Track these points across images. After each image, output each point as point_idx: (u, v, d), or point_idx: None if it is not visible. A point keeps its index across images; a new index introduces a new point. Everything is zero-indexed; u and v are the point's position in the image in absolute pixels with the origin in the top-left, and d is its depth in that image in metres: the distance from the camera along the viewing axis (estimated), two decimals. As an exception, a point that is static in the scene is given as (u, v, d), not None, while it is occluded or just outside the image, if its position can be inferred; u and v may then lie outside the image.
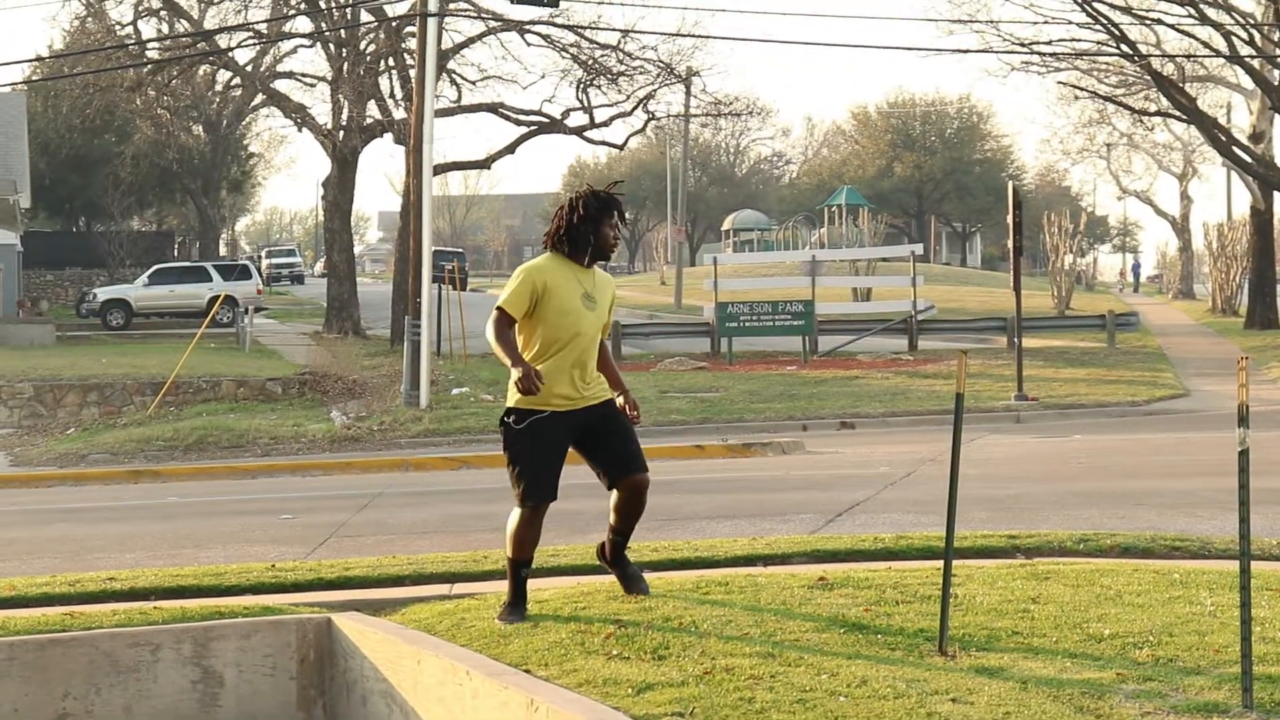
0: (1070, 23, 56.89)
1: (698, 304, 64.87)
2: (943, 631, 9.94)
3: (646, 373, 44.44)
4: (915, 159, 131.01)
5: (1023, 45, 57.27)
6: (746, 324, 49.80)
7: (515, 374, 11.01)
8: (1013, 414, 36.09)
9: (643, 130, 69.15)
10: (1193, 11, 56.45)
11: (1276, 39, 57.17)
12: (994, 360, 46.08)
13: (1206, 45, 59.09)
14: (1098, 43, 58.08)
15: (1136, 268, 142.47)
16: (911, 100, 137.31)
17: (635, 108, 60.16)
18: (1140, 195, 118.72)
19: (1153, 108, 64.54)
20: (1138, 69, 59.65)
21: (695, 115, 75.57)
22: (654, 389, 39.72)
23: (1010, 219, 38.81)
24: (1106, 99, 67.30)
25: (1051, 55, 58.57)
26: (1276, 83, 58.46)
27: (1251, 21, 57.88)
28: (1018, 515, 17.93)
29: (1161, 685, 8.84)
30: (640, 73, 58.68)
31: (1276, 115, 59.99)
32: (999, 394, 38.43)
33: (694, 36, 58.93)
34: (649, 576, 12.14)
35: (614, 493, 11.62)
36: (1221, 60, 60.54)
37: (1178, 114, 61.41)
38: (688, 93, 70.31)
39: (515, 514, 11.50)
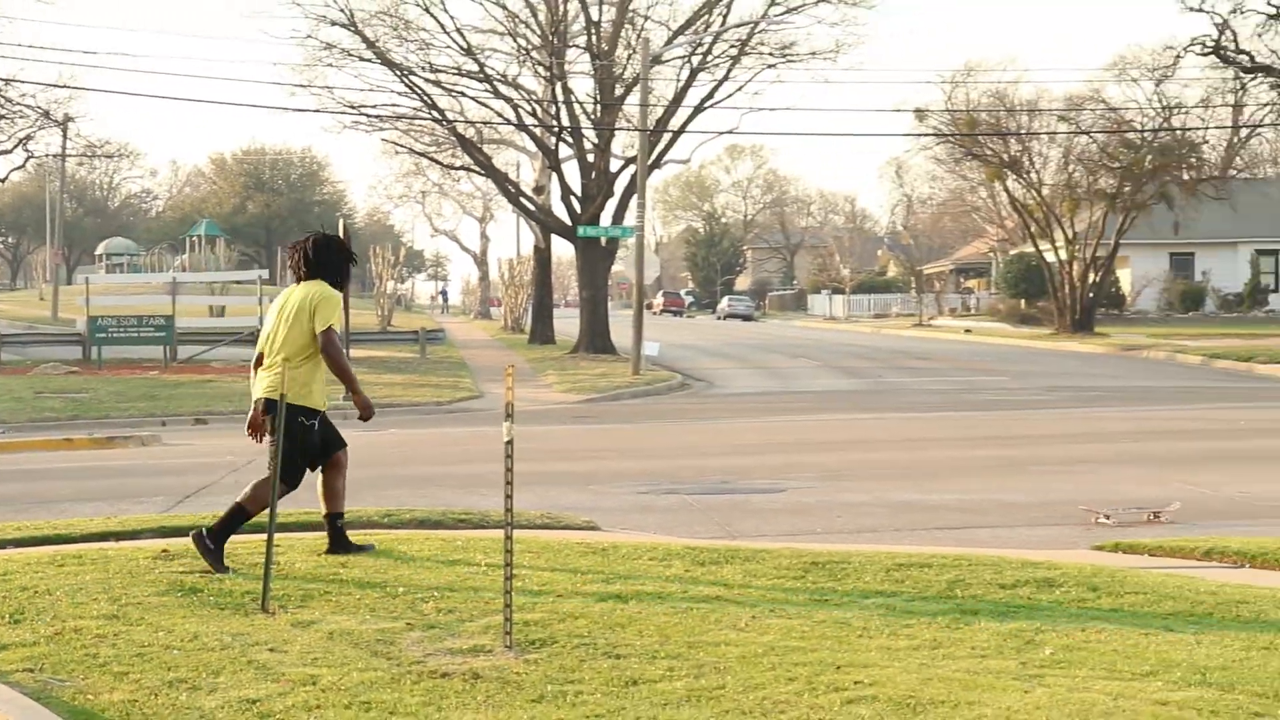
0: (392, 91, 57.46)
1: (73, 317, 62.73)
2: (265, 593, 9.91)
3: (24, 376, 42.76)
4: (265, 199, 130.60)
5: (352, 108, 57.48)
6: (115, 335, 48.77)
7: (357, 398, 11.93)
8: (341, 411, 36.01)
9: (23, 166, 67.46)
10: (489, 87, 57.76)
11: (553, 113, 58.81)
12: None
13: (500, 115, 60.38)
14: (414, 109, 58.68)
15: (445, 292, 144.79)
16: (262, 149, 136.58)
17: (15, 146, 58.59)
18: (449, 234, 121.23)
19: (458, 163, 65.78)
20: (446, 131, 60.43)
21: (71, 155, 73.68)
22: (30, 390, 38.21)
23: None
24: (420, 154, 68.07)
25: (376, 117, 58.91)
26: (553, 147, 60.12)
27: (534, 98, 59.59)
28: (338, 495, 17.94)
29: (442, 631, 9.00)
30: (20, 116, 57.11)
31: (553, 173, 61.61)
32: (332, 395, 38.29)
33: (69, 87, 57.51)
34: (10, 554, 11.77)
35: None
36: (511, 127, 61.81)
37: (478, 169, 62.81)
38: (65, 135, 68.57)
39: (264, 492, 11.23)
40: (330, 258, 11.81)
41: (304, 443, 11.59)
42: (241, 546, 12.00)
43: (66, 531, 13.88)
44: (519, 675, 7.90)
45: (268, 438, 11.42)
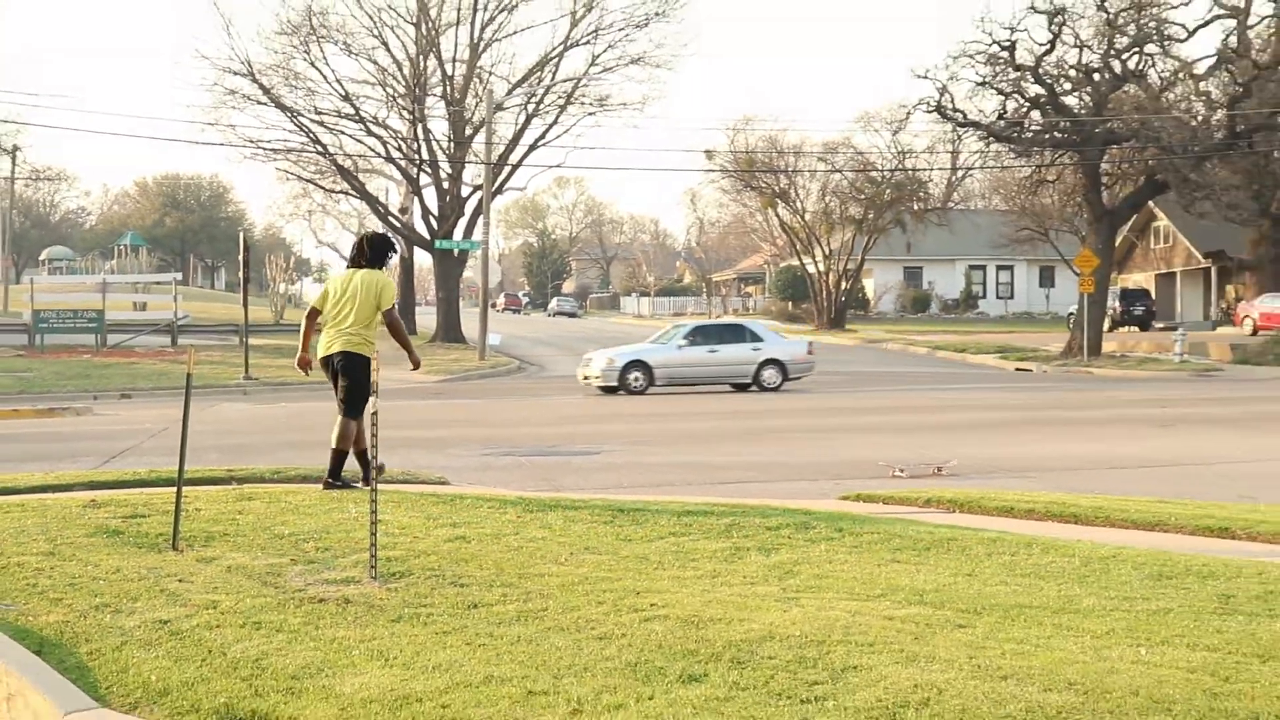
0: (284, 129, 56.85)
1: (20, 311, 61.11)
2: (175, 534, 9.76)
3: (-22, 359, 41.61)
4: (179, 215, 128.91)
5: (251, 142, 56.88)
6: (55, 325, 48.36)
7: (411, 356, 12.63)
8: (241, 389, 35.56)
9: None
10: (364, 127, 57.50)
11: (415, 148, 58.45)
12: (231, 353, 45.25)
13: (372, 150, 59.96)
14: (302, 143, 58.05)
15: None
16: (178, 175, 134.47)
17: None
18: (331, 245, 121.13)
19: (338, 188, 65.05)
20: (328, 162, 59.80)
21: (19, 179, 71.86)
22: (-17, 370, 37.30)
23: (241, 258, 38.43)
24: (307, 181, 67.09)
25: (271, 150, 58.21)
26: (415, 176, 59.78)
27: (400, 136, 59.25)
28: (238, 456, 17.67)
29: (320, 566, 8.92)
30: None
31: (415, 197, 61.23)
32: (233, 375, 37.79)
33: (17, 123, 56.11)
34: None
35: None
36: (381, 159, 61.30)
37: (354, 193, 62.23)
38: (13, 162, 66.84)
39: (355, 426, 12.22)
40: (380, 250, 12.57)
41: (368, 382, 11.45)
42: (157, 497, 11.83)
43: (11, 485, 13.55)
44: (382, 600, 7.87)
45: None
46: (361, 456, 12.40)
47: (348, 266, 12.64)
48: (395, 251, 12.91)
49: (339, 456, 12.49)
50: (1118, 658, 6.38)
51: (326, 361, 12.37)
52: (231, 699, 6.06)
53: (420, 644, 6.85)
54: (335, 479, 12.53)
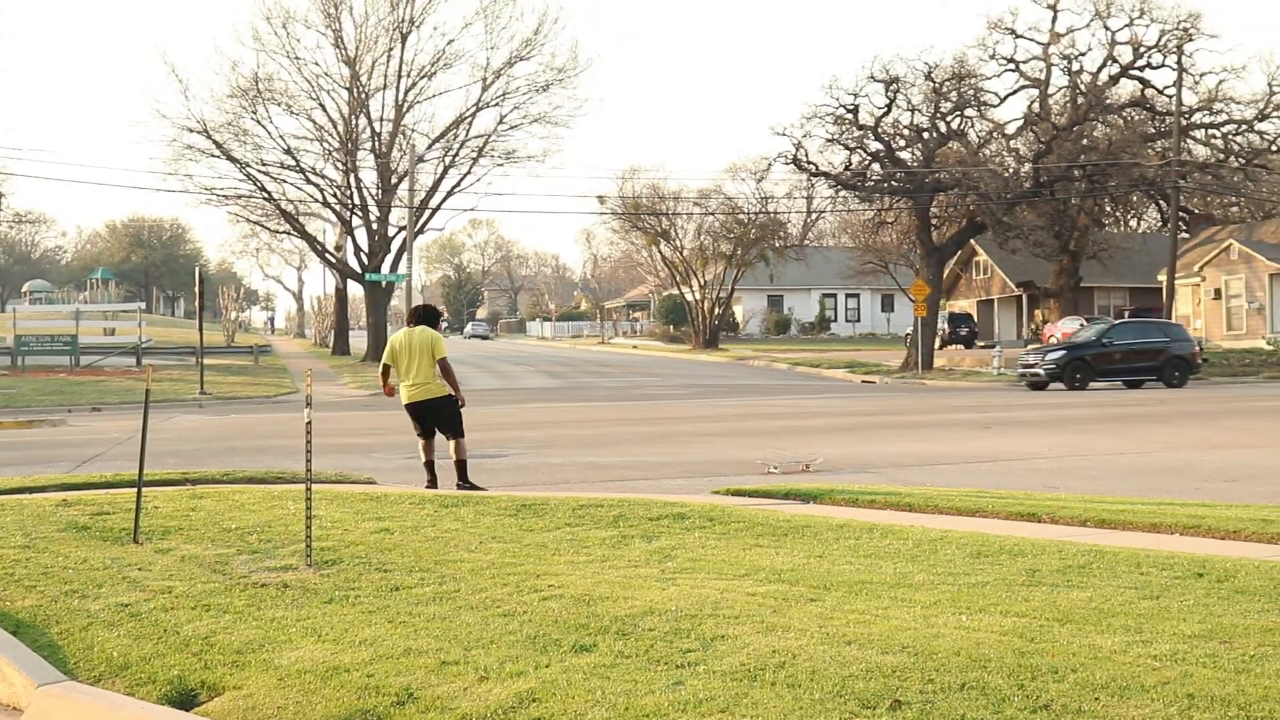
0: (234, 178, 56.09)
1: (4, 335, 59.48)
2: (136, 529, 9.57)
3: (-35, 379, 40.47)
4: (144, 253, 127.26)
5: (206, 190, 56.18)
6: (34, 348, 47.46)
7: (459, 395, 13.43)
8: (197, 403, 34.92)
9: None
10: (304, 176, 56.88)
11: (348, 195, 57.89)
12: (189, 371, 44.48)
13: (311, 196, 59.30)
14: (250, 191, 57.26)
15: (273, 319, 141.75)
16: (142, 218, 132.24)
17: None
18: (275, 278, 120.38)
19: (281, 229, 64.22)
20: (273, 207, 59.02)
21: (4, 221, 69.92)
22: (-30, 389, 36.29)
23: (198, 290, 37.77)
24: (255, 223, 66.30)
25: (223, 196, 57.34)
26: (348, 218, 59.23)
27: (335, 184, 58.69)
28: (192, 461, 17.36)
29: (262, 555, 8.79)
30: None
31: (348, 236, 60.60)
32: (190, 391, 37.12)
33: (1, 173, 54.50)
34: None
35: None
36: (319, 204, 60.63)
37: (295, 233, 61.51)
38: (0, 207, 65.05)
39: (463, 442, 13.47)
40: (432, 316, 13.68)
41: (456, 409, 13.40)
42: (120, 497, 11.58)
43: (-6, 488, 13.24)
44: (316, 584, 7.76)
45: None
46: (460, 466, 13.37)
47: (407, 324, 13.74)
48: (442, 315, 14.55)
49: (462, 466, 13.44)
50: (943, 624, 6.45)
51: (410, 406, 13.44)
52: (184, 671, 5.96)
53: (349, 622, 6.77)
54: (465, 482, 13.38)
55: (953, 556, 8.58)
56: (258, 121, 56.12)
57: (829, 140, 49.38)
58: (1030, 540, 9.22)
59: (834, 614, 6.70)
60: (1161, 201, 62.59)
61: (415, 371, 13.25)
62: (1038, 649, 5.92)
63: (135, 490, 9.88)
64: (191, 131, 54.44)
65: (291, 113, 57.73)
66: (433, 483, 13.41)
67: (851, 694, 5.26)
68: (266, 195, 57.53)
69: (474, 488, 13.22)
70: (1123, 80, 52.68)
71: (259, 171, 56.29)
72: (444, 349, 13.37)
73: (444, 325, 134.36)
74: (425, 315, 13.67)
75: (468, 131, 58.91)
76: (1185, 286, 56.88)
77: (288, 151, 56.42)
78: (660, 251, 75.20)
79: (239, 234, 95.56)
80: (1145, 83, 52.67)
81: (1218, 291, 55.62)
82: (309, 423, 8.80)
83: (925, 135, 48.81)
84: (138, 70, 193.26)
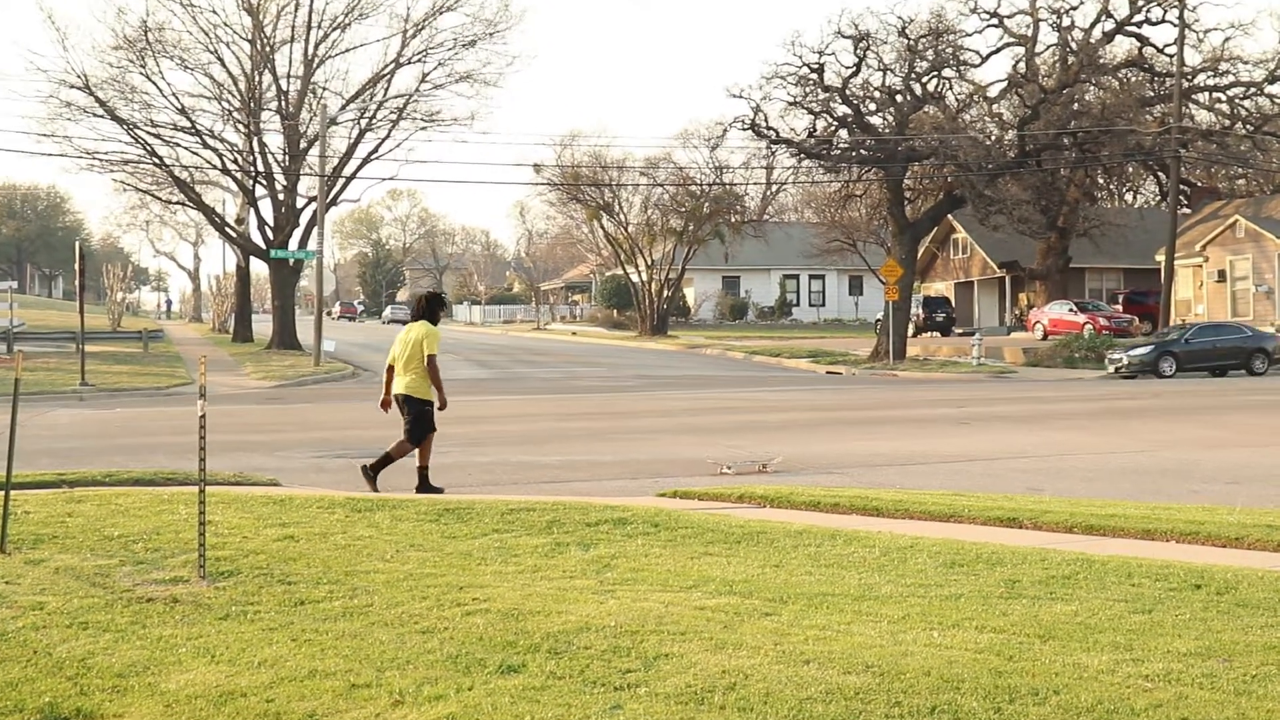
0: (120, 141, 55.41)
1: None
2: (3, 537, 9.42)
3: None
4: (16, 225, 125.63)
5: (88, 154, 55.30)
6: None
7: (440, 395, 14.15)
8: (78, 395, 34.52)
9: None
10: (200, 140, 56.24)
11: (251, 161, 57.42)
12: (68, 360, 43.96)
13: (209, 162, 58.64)
14: (139, 155, 56.50)
15: (169, 301, 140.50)
16: (14, 185, 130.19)
17: None
18: (168, 255, 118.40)
19: (175, 199, 63.45)
20: (165, 174, 58.35)
21: None
22: None
23: (78, 267, 37.27)
24: (144, 192, 65.37)
25: (108, 162, 56.60)
26: (251, 188, 58.65)
27: (236, 149, 58.15)
28: (70, 461, 17.14)
29: (149, 566, 8.71)
30: None
31: (251, 208, 60.08)
32: (69, 382, 36.69)
33: None
34: None
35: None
36: (218, 171, 60.01)
37: (190, 204, 60.80)
38: None
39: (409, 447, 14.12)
40: (433, 306, 14.43)
41: (429, 418, 14.15)
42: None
43: None
44: (210, 599, 7.70)
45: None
46: (384, 461, 14.19)
47: (411, 319, 14.42)
48: (445, 306, 15.55)
49: (385, 461, 14.22)
50: (912, 641, 6.49)
51: (396, 397, 14.29)
52: (56, 698, 5.88)
53: (247, 641, 6.72)
54: (424, 486, 14.03)
55: (924, 566, 8.64)
56: (147, 77, 55.44)
57: (791, 103, 49.54)
58: (1010, 548, 9.29)
59: (791, 630, 6.73)
60: (1160, 173, 63.40)
61: (406, 364, 14.18)
62: (1017, 668, 5.97)
63: (2, 493, 9.75)
64: (71, 87, 53.71)
65: (186, 67, 57.13)
66: (421, 486, 14.10)
67: (810, 718, 5.29)
68: (157, 160, 56.83)
69: (434, 490, 13.90)
70: (1118, 37, 53.31)
71: (149, 133, 55.60)
72: (434, 346, 14.12)
73: (360, 308, 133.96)
74: (429, 305, 14.49)
75: (386, 91, 58.60)
76: (1186, 267, 57.60)
77: (181, 111, 55.80)
78: (603, 227, 75.24)
79: (126, 205, 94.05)
80: (1143, 40, 53.29)
81: (1222, 273, 56.35)
82: (203, 416, 8.73)
83: (898, 98, 49.10)
84: (8, 18, 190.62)
